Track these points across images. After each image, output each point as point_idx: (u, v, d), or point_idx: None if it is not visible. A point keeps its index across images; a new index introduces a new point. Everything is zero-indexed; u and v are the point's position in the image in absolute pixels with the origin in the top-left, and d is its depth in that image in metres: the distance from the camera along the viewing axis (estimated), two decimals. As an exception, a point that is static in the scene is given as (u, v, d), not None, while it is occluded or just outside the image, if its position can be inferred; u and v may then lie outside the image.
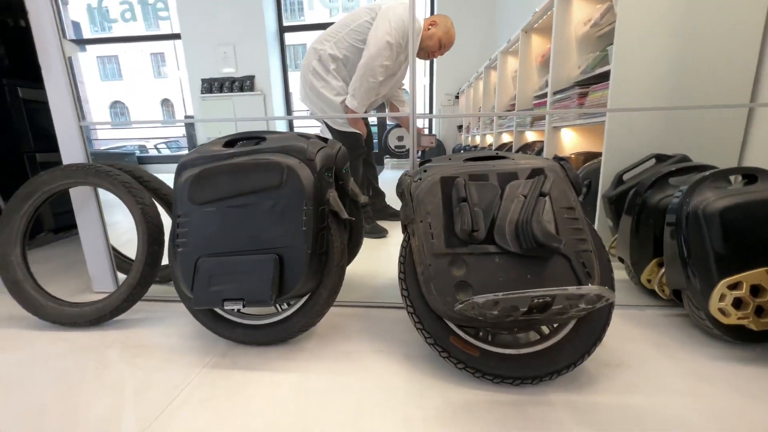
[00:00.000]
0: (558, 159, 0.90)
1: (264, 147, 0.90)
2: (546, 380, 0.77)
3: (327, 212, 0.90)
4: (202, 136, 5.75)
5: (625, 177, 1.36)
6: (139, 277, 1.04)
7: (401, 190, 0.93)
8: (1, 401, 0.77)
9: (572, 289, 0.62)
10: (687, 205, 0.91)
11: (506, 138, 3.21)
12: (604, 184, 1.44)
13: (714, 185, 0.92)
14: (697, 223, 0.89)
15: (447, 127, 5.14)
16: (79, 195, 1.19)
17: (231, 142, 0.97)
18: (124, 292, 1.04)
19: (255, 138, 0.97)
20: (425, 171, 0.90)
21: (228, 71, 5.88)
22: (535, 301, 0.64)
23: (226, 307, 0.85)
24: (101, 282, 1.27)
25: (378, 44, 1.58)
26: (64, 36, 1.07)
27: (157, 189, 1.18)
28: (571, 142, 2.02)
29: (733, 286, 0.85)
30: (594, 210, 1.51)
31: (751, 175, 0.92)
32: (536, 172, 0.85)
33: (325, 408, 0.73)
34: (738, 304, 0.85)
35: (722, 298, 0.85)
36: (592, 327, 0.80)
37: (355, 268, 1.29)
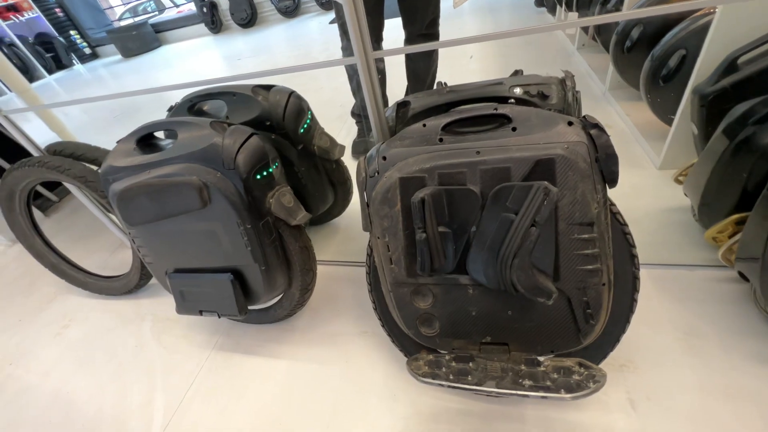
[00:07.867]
0: (589, 124, 0.57)
1: (172, 155, 0.70)
2: (524, 395, 0.72)
3: (272, 222, 0.76)
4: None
5: (741, 61, 0.85)
6: (141, 265, 1.09)
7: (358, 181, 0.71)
8: (81, 377, 1.00)
9: (553, 396, 0.48)
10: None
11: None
12: (702, 68, 0.93)
13: None
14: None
15: None
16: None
17: (144, 138, 0.77)
18: (135, 275, 1.12)
19: (167, 129, 0.76)
20: (384, 158, 0.66)
21: None
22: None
23: (205, 315, 0.88)
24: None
25: None
26: None
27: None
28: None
29: (830, 301, 0.59)
30: (678, 101, 1.05)
31: None
32: (540, 169, 0.55)
33: (302, 407, 0.81)
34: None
35: (803, 313, 0.61)
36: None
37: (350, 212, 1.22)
